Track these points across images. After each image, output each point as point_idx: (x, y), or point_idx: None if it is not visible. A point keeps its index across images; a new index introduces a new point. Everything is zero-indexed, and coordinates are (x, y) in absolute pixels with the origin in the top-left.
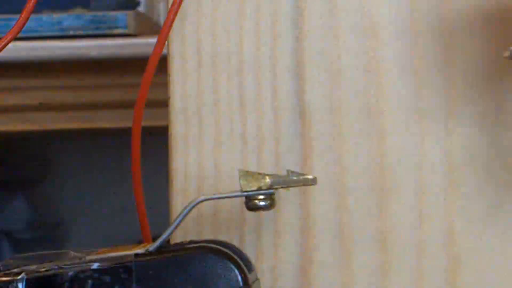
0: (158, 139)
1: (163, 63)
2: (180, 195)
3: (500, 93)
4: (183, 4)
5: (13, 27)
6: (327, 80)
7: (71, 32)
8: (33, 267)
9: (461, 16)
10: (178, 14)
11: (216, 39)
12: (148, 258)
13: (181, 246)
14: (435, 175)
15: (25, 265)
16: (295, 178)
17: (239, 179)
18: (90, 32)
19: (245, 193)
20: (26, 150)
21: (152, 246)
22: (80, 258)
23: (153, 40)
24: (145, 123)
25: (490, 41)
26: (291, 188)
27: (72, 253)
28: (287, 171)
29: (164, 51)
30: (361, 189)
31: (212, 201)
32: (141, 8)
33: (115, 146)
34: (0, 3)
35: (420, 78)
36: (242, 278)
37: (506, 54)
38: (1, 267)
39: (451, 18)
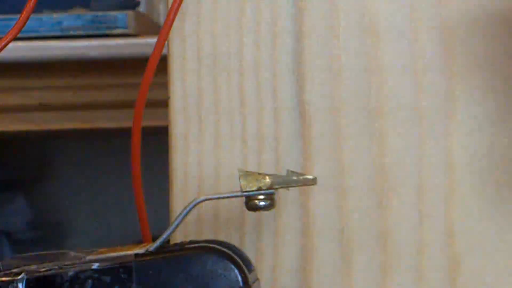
0: (158, 139)
1: (163, 63)
2: (180, 195)
3: (501, 92)
4: (183, 4)
5: (13, 27)
6: (327, 80)
7: (71, 32)
8: (33, 267)
9: (462, 15)
10: (178, 14)
11: (216, 39)
12: (148, 258)
13: (181, 246)
14: (435, 175)
15: (25, 265)
16: (295, 178)
17: (239, 179)
18: (90, 32)
19: (245, 193)
20: (26, 150)
21: (152, 246)
22: (80, 258)
23: (153, 40)
24: (145, 123)
25: (491, 40)
26: (291, 188)
27: (72, 253)
28: (287, 171)
29: (164, 51)
30: (361, 189)
31: (212, 201)
32: (141, 8)
33: (115, 146)
34: (0, 3)
35: (420, 78)
36: (242, 278)
37: None
38: (1, 267)
39: (451, 17)
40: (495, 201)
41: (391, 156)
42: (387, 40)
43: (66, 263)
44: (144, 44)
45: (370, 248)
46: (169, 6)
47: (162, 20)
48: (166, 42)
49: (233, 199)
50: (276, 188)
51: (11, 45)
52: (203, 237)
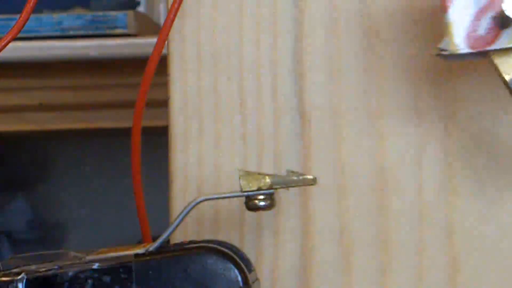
0: (158, 139)
1: (163, 63)
2: (180, 195)
3: (500, 92)
4: (183, 4)
5: (13, 27)
6: (327, 80)
7: (71, 32)
8: (33, 267)
9: None
10: (178, 14)
11: (216, 39)
12: (148, 258)
13: (181, 246)
14: (435, 175)
15: (25, 265)
16: (295, 178)
17: (239, 179)
18: (90, 32)
19: (245, 193)
20: (26, 150)
21: (152, 246)
22: (80, 258)
23: (153, 40)
24: (145, 123)
25: None
26: (291, 188)
27: (72, 253)
28: (287, 171)
29: (164, 51)
30: (361, 189)
31: (212, 201)
32: (141, 8)
33: (115, 146)
34: (0, 3)
35: (420, 78)
36: (242, 278)
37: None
38: (1, 267)
39: None
40: (495, 201)
41: (391, 156)
42: (387, 40)
43: (66, 263)
44: (144, 44)
45: (370, 248)
46: (169, 6)
47: (162, 20)
48: (166, 42)
49: (233, 199)
50: (276, 188)
51: (11, 45)
52: (203, 237)
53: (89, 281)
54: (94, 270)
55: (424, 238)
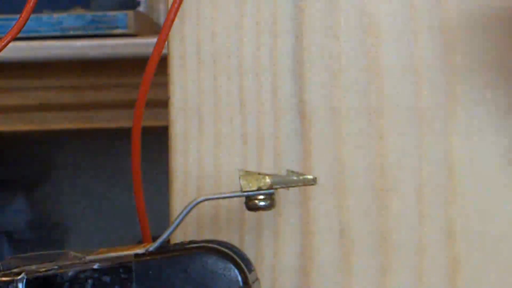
0: (158, 139)
1: (163, 63)
2: (180, 195)
3: (501, 92)
4: (183, 4)
5: (13, 27)
6: (327, 80)
7: (71, 32)
8: (33, 267)
9: (462, 15)
10: (178, 14)
11: (216, 39)
12: (148, 258)
13: (181, 246)
14: (435, 175)
15: (25, 265)
16: (295, 178)
17: (239, 179)
18: (90, 32)
19: (245, 193)
20: (26, 150)
21: (152, 246)
22: (80, 258)
23: (153, 40)
24: (145, 123)
25: (491, 39)
26: (291, 188)
27: (72, 253)
28: (287, 171)
29: (164, 51)
30: (361, 189)
31: (212, 201)
32: (141, 8)
33: (115, 146)
34: (0, 3)
35: (420, 78)
36: (242, 278)
37: None
38: (1, 267)
39: (451, 17)
40: (495, 201)
41: (391, 156)
42: (387, 40)
43: (66, 263)
44: (144, 44)
45: (370, 248)
46: (169, 6)
47: (162, 20)
48: (166, 42)
49: (233, 199)
50: (276, 188)
51: (11, 45)
52: (203, 237)
53: (89, 281)
54: (94, 270)
55: (424, 238)
